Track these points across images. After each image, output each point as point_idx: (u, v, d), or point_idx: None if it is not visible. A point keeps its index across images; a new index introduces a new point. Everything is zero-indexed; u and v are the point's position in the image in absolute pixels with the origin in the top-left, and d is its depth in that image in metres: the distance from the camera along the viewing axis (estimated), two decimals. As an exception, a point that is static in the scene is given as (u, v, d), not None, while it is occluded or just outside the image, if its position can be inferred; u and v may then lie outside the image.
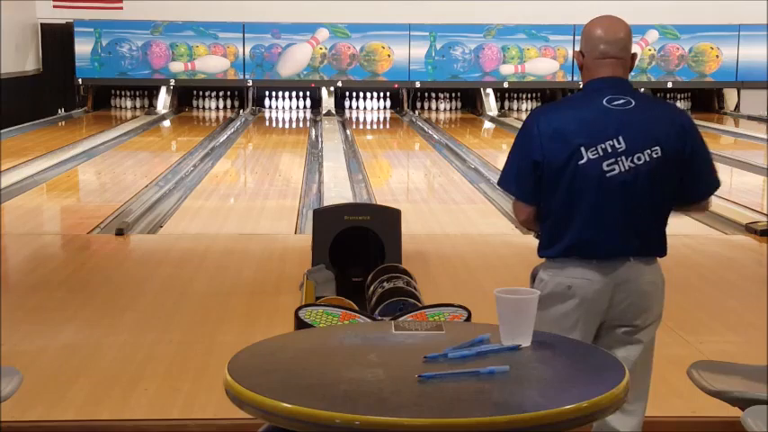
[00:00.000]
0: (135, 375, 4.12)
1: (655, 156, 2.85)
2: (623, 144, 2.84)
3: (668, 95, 18.07)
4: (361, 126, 16.38)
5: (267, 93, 17.80)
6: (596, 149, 2.83)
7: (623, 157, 2.84)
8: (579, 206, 2.86)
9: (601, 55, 2.91)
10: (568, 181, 2.84)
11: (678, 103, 18.12)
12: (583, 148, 2.83)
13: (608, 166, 2.83)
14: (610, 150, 2.83)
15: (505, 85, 17.59)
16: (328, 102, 17.26)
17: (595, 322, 2.94)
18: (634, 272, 2.91)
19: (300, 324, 3.83)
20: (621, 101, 2.89)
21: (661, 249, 2.97)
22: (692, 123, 2.98)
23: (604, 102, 2.88)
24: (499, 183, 3.04)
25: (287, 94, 17.82)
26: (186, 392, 3.90)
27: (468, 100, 18.05)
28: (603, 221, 2.86)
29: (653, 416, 3.60)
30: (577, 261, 2.89)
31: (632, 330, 2.96)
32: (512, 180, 2.97)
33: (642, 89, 17.27)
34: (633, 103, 2.89)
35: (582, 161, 2.83)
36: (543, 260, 3.01)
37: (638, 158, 2.84)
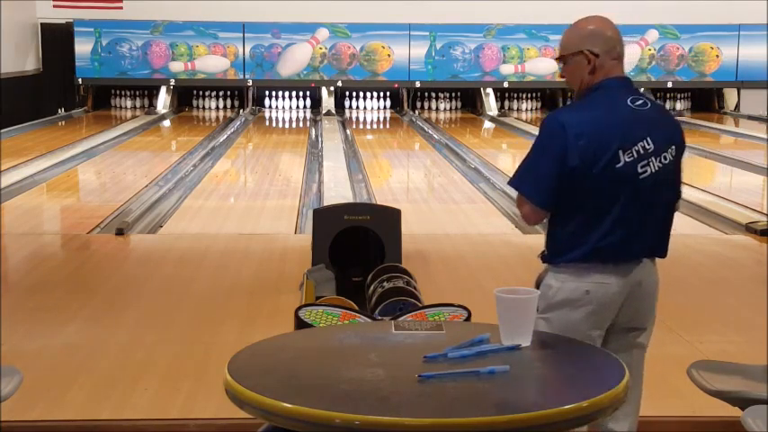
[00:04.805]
0: (135, 375, 4.11)
1: (672, 156, 2.87)
2: (652, 145, 2.82)
3: (668, 95, 18.08)
4: (361, 126, 16.38)
5: (267, 92, 17.80)
6: (631, 152, 2.79)
7: (653, 158, 2.82)
8: (611, 209, 2.80)
9: (617, 55, 2.90)
10: (602, 184, 2.78)
11: (678, 104, 18.15)
12: (620, 151, 2.78)
13: (641, 167, 2.81)
14: (642, 152, 2.80)
15: (505, 84, 17.60)
16: (328, 101, 17.26)
17: (606, 326, 2.90)
18: (645, 273, 2.91)
19: (300, 324, 3.83)
20: (640, 101, 2.89)
21: (666, 249, 2.97)
22: None
23: (628, 102, 2.86)
24: (516, 185, 2.87)
25: (287, 93, 17.82)
26: (186, 392, 3.90)
27: (468, 100, 18.05)
28: (632, 223, 2.83)
29: (653, 416, 3.60)
30: (597, 265, 2.83)
31: (638, 333, 2.95)
32: (532, 184, 2.84)
33: (642, 89, 17.31)
34: (648, 103, 2.91)
35: (619, 164, 2.78)
36: (545, 266, 2.95)
37: (664, 158, 2.85)
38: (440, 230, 7.57)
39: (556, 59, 2.98)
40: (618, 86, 2.89)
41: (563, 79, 2.96)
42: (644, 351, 2.98)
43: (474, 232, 7.51)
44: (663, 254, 2.96)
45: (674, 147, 2.87)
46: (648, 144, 2.82)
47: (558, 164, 2.77)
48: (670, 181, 2.90)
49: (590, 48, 2.87)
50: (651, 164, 2.82)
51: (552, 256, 2.91)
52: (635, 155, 2.80)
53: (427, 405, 2.09)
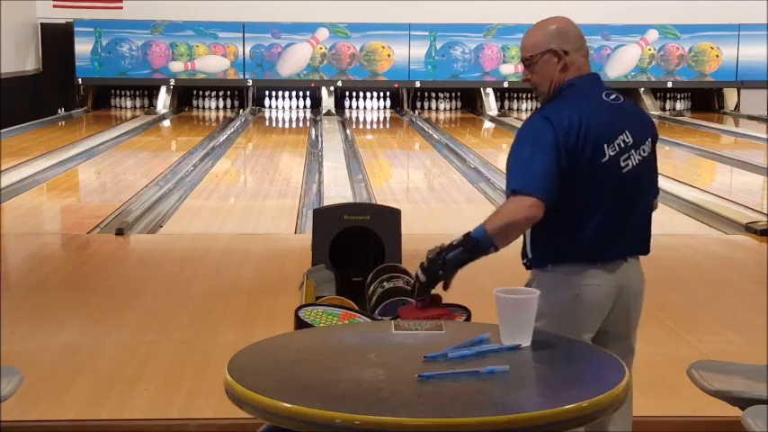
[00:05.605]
0: (135, 375, 4.12)
1: (649, 148, 2.88)
2: (630, 138, 2.81)
3: (668, 95, 18.08)
4: (361, 126, 16.37)
5: (267, 92, 17.80)
6: (614, 146, 2.78)
7: (633, 151, 2.81)
8: (597, 206, 2.78)
9: (585, 52, 2.91)
10: (589, 181, 2.76)
11: (678, 104, 18.15)
12: (605, 145, 2.77)
13: (624, 161, 2.80)
14: (623, 145, 2.80)
15: (505, 84, 17.59)
16: (328, 101, 17.25)
17: (596, 328, 2.87)
18: (633, 271, 2.89)
19: (300, 324, 3.83)
20: (614, 95, 2.90)
21: (649, 247, 2.95)
22: None
23: (603, 97, 2.87)
24: (517, 187, 2.74)
25: (287, 93, 17.82)
26: (186, 392, 3.90)
27: (468, 100, 18.05)
28: (618, 220, 2.81)
29: (653, 416, 3.61)
30: (586, 266, 2.81)
31: (629, 338, 2.93)
32: (534, 180, 2.71)
33: (642, 89, 17.37)
34: (621, 98, 2.91)
35: (604, 159, 2.77)
36: (530, 273, 2.93)
37: (643, 151, 2.85)
38: (440, 230, 7.56)
39: (523, 61, 2.90)
40: (590, 82, 2.89)
41: (526, 83, 2.90)
42: (633, 355, 2.95)
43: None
44: (646, 251, 2.94)
45: (649, 139, 2.88)
46: (628, 137, 2.81)
47: (555, 157, 2.72)
48: (650, 175, 2.90)
49: (559, 45, 2.84)
50: (632, 157, 2.81)
51: (540, 260, 2.88)
52: (617, 148, 2.79)
53: (427, 405, 2.08)
